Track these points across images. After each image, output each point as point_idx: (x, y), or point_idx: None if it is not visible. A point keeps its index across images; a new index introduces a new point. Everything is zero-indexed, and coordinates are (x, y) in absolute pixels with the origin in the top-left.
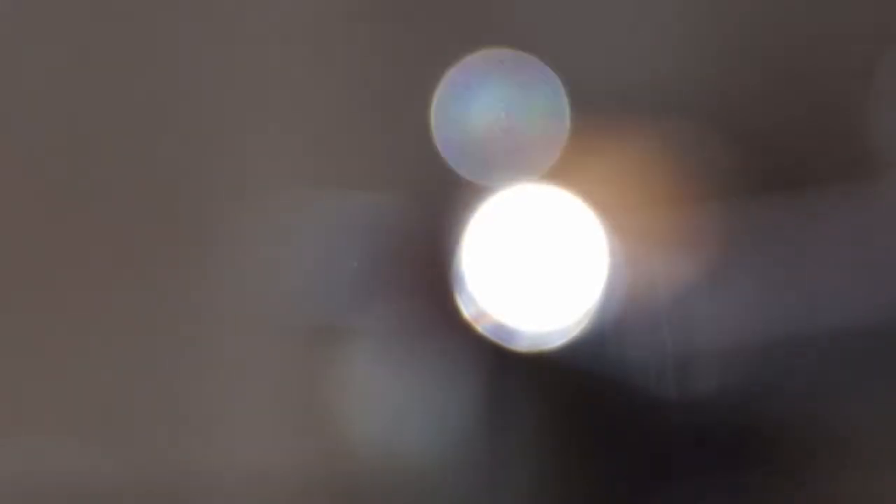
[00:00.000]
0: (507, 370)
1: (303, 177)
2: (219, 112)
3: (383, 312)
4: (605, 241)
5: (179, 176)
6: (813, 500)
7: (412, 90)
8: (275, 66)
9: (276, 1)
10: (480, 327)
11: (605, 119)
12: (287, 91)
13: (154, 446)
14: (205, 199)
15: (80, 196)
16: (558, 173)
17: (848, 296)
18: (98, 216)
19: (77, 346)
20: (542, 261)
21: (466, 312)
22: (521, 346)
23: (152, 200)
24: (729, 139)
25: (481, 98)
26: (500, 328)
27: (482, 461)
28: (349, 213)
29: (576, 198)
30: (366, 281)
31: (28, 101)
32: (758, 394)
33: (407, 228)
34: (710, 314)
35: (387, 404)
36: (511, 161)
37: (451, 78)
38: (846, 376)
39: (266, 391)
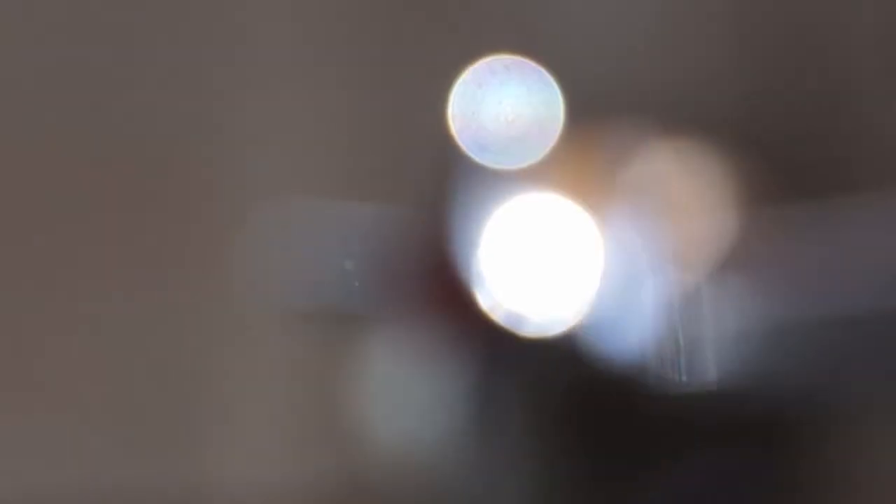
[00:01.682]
0: (508, 363)
1: (308, 178)
2: (224, 116)
3: (386, 313)
4: (606, 241)
5: (186, 179)
6: (822, 488)
7: (418, 94)
8: (281, 72)
9: (279, 6)
10: (493, 316)
11: (608, 122)
12: (293, 96)
13: (158, 450)
14: (213, 202)
15: (87, 200)
16: (559, 175)
17: (857, 285)
18: (106, 219)
19: (86, 352)
20: (544, 255)
21: (482, 303)
22: (526, 334)
23: (160, 204)
24: (733, 140)
25: (488, 102)
26: (508, 316)
27: (482, 456)
28: (351, 214)
29: (576, 199)
30: (367, 282)
31: (35, 101)
32: (763, 385)
33: (406, 230)
34: (716, 304)
35: (387, 402)
36: (512, 162)
37: (464, 79)
38: (855, 365)
39: (270, 392)
